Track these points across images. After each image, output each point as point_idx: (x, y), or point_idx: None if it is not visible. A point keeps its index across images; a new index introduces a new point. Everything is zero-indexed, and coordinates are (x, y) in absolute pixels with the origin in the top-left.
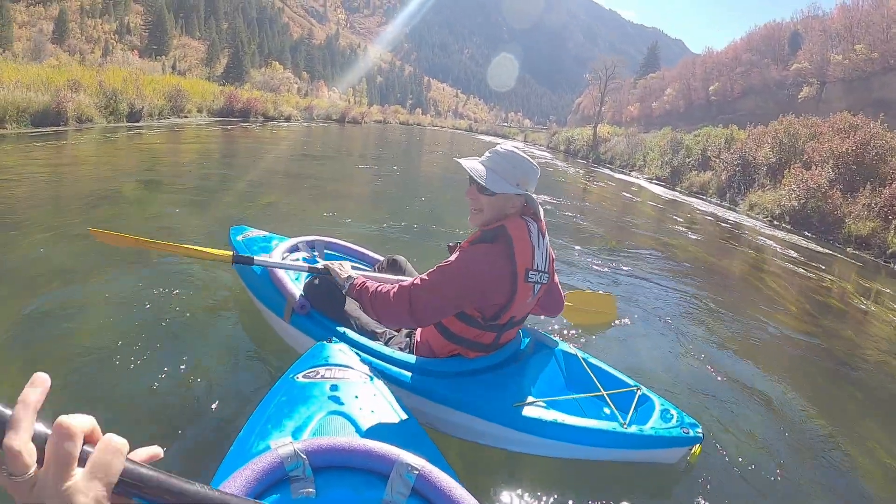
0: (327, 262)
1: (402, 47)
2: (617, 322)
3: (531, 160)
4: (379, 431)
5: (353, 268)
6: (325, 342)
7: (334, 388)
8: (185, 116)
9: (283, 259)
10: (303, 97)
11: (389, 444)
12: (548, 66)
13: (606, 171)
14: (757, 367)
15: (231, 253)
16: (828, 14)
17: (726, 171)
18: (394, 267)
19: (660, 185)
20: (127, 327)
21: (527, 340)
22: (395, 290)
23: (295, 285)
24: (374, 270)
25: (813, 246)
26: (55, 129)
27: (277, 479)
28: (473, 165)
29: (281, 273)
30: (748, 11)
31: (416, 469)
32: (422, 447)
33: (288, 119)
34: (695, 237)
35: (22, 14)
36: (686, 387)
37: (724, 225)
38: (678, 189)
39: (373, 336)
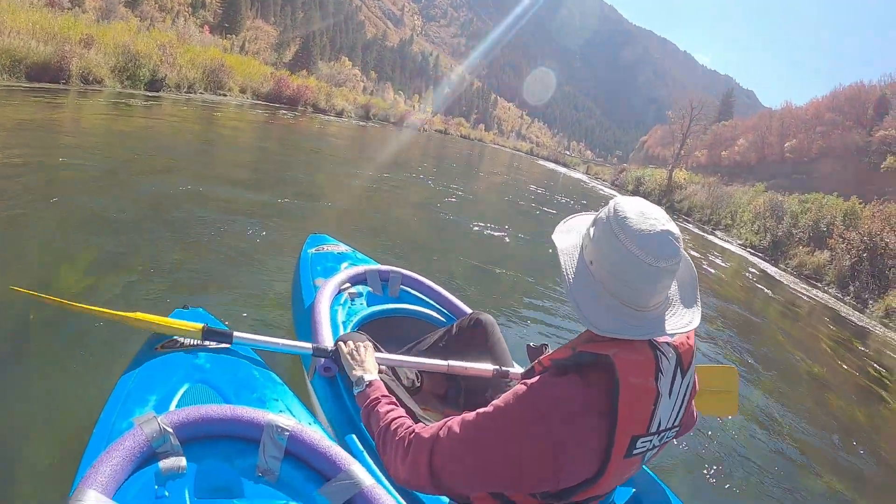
0: (343, 338)
1: (474, 61)
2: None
3: (666, 249)
4: (245, 396)
5: (384, 349)
6: (180, 309)
7: (195, 355)
8: (223, 94)
9: (341, 289)
10: (369, 95)
11: (257, 408)
12: (616, 100)
13: (689, 226)
14: None
15: (201, 326)
16: None
17: (849, 256)
18: (475, 330)
19: (757, 255)
20: None
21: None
22: (414, 435)
23: (332, 330)
24: (452, 332)
25: None
26: (53, 86)
27: (145, 457)
28: (565, 238)
29: (322, 309)
30: (824, 71)
31: (287, 430)
32: (291, 408)
33: (340, 114)
34: (814, 348)
35: None
36: None
37: (848, 336)
38: (782, 266)
39: None
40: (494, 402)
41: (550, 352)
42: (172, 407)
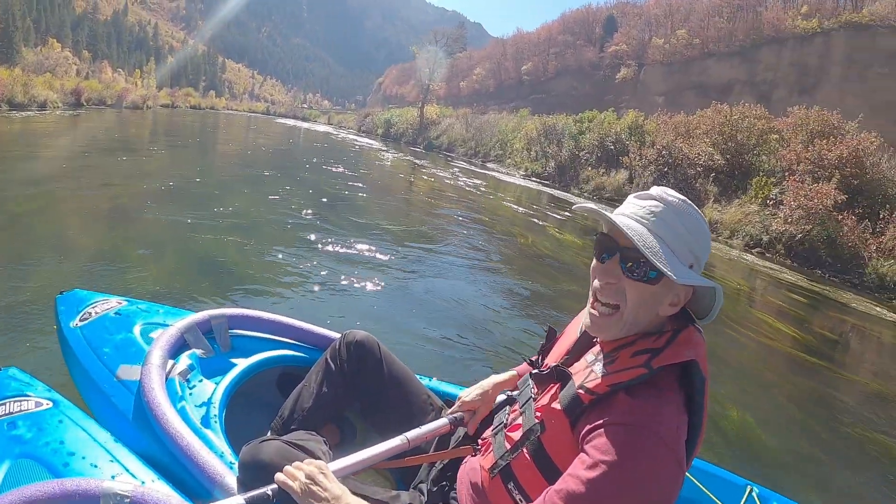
0: (267, 462)
1: (197, 25)
2: None
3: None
4: (78, 465)
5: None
6: None
7: (13, 425)
8: None
9: (169, 371)
10: (84, 79)
11: (91, 478)
12: (345, 47)
13: (458, 162)
14: None
15: None
16: (643, 2)
17: (649, 171)
18: (360, 356)
19: (546, 185)
20: None
21: None
22: None
23: (210, 450)
24: (332, 364)
25: (830, 289)
26: None
27: None
28: (630, 224)
29: (179, 427)
30: (547, 2)
31: (127, 496)
32: (129, 468)
33: (43, 106)
34: None
35: None
36: None
37: None
38: (576, 191)
39: None
40: (598, 457)
41: (591, 376)
42: None
